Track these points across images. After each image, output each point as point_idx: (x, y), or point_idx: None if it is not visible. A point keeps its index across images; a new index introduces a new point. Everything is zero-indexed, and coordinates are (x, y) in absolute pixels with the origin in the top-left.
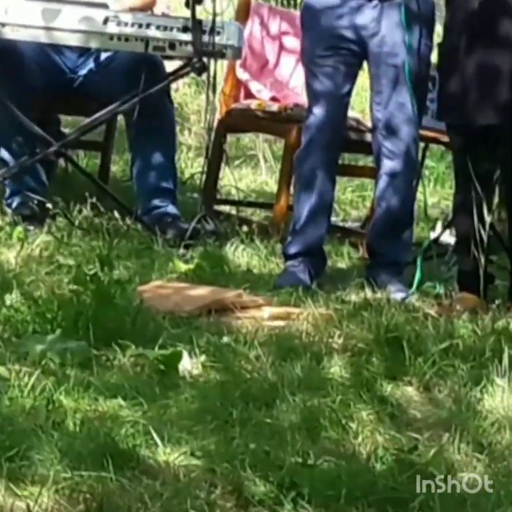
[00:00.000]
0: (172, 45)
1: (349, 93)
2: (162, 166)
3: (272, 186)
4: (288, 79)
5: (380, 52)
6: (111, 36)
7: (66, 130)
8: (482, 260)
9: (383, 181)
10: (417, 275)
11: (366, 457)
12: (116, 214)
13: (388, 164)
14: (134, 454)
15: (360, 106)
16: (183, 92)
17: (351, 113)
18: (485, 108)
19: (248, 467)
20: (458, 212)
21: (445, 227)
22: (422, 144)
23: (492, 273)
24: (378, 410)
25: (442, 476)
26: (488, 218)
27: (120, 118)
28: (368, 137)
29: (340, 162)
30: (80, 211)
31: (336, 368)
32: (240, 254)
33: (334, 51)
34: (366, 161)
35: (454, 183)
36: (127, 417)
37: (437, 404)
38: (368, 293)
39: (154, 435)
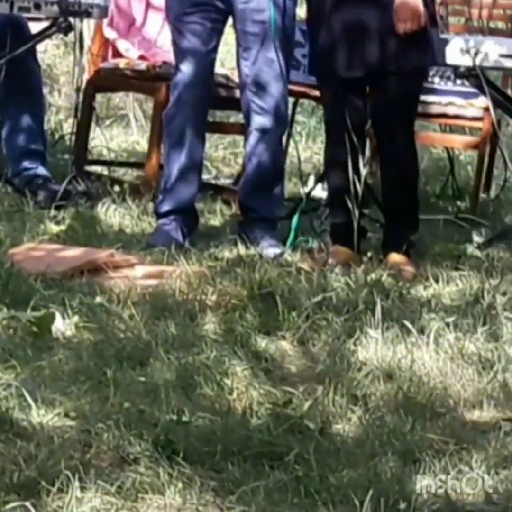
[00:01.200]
0: (37, 6)
1: (215, 50)
2: (31, 128)
3: (143, 145)
4: (156, 37)
5: (245, 9)
6: None
7: None
8: (356, 213)
9: (253, 137)
10: (292, 232)
11: (241, 413)
12: None
13: (257, 120)
14: (7, 417)
15: (231, 63)
16: (52, 54)
17: (220, 70)
18: (354, 62)
19: (123, 426)
20: (330, 166)
21: (317, 182)
22: (292, 99)
23: (364, 226)
24: (253, 365)
25: (317, 429)
26: (363, 171)
27: None
28: (238, 93)
29: (210, 119)
30: None
31: (210, 325)
32: (112, 214)
33: (199, 8)
34: (237, 117)
35: (325, 137)
36: (0, 380)
37: (311, 357)
38: (241, 249)
39: (28, 397)
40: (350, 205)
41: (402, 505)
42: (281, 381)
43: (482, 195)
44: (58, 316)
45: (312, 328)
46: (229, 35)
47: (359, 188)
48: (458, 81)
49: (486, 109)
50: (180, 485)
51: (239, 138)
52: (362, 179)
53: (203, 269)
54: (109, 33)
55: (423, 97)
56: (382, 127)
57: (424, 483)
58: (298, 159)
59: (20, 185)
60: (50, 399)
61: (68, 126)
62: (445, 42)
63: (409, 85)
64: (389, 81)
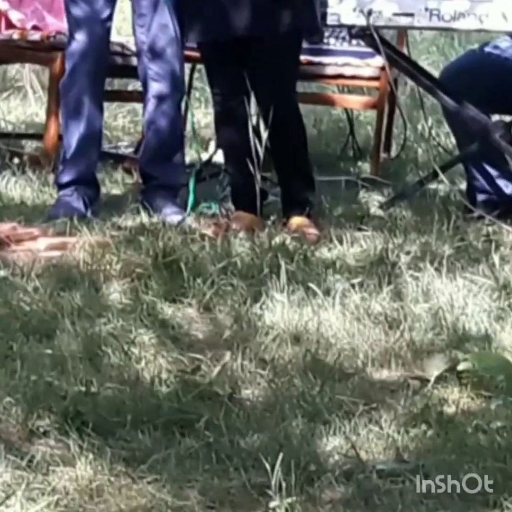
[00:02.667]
0: None
1: (110, 18)
2: None
3: (42, 116)
4: (49, 7)
5: None
6: None
7: None
8: (258, 177)
9: (150, 104)
10: (190, 198)
11: (150, 381)
12: None
13: (154, 87)
14: None
15: (127, 31)
16: None
17: (115, 38)
18: (227, 24)
19: (31, 400)
20: (220, 127)
21: (217, 147)
22: (189, 65)
23: (265, 189)
24: (160, 333)
25: (226, 394)
26: (264, 134)
27: None
28: (134, 61)
29: (108, 88)
30: None
31: (116, 294)
32: (13, 187)
33: None
34: (135, 85)
35: (212, 103)
36: None
37: (218, 323)
38: (144, 218)
39: None
40: (251, 169)
41: (313, 467)
42: (189, 348)
43: (383, 155)
44: None
45: (217, 294)
46: (124, 3)
47: (261, 151)
48: (354, 41)
49: (383, 69)
50: (90, 456)
51: (138, 106)
52: (263, 142)
53: (107, 238)
54: (1, 4)
55: (319, 59)
56: (262, 91)
57: (334, 444)
58: (192, 126)
59: None
60: None
61: None
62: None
63: (286, 47)
64: (265, 44)
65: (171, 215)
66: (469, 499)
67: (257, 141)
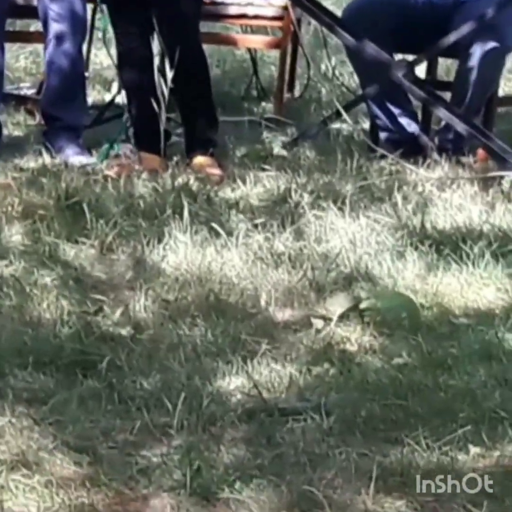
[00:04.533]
0: None
1: None
2: None
3: None
4: None
5: None
6: None
7: None
8: (163, 117)
9: (51, 45)
10: (104, 147)
11: (52, 323)
12: None
13: (55, 27)
14: None
15: None
16: None
17: None
18: None
19: None
20: (123, 67)
21: (120, 88)
22: (91, 5)
23: (169, 130)
24: (62, 275)
25: (129, 336)
26: (169, 74)
27: None
28: (36, 1)
29: (10, 28)
30: None
31: (17, 236)
32: None
33: None
34: (37, 26)
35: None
36: None
37: (120, 264)
38: (46, 159)
39: None
40: (155, 109)
41: (215, 407)
42: (91, 289)
43: (286, 95)
44: None
45: (120, 235)
46: None
47: (166, 90)
48: None
49: (286, 8)
50: None
51: (41, 47)
52: (168, 82)
53: (8, 180)
54: None
55: None
56: (165, 31)
57: (237, 384)
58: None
59: None
60: None
61: None
62: None
63: None
64: None
65: (73, 156)
66: (371, 435)
67: (162, 81)
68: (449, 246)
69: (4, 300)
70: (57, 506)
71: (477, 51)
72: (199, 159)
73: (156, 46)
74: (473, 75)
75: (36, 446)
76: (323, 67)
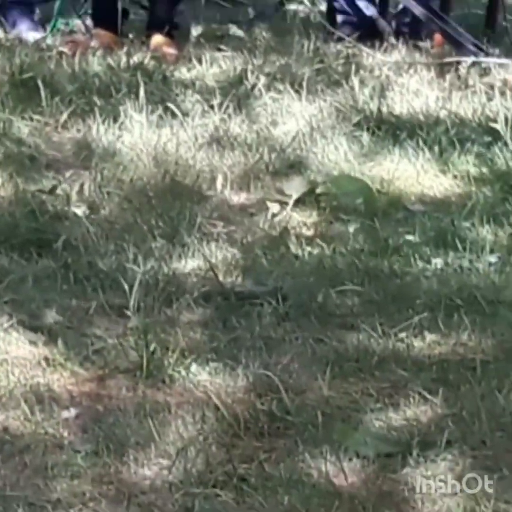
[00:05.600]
0: None
1: None
2: None
3: None
4: None
5: None
6: None
7: None
8: None
9: None
10: (54, 20)
11: (7, 201)
12: None
13: None
14: None
15: None
16: None
17: None
18: None
19: None
20: None
21: None
22: None
23: (126, 8)
24: (16, 152)
25: (85, 215)
26: None
27: None
28: None
29: None
30: None
31: None
32: None
33: None
34: None
35: None
36: None
37: (76, 143)
38: (0, 34)
39: None
40: None
41: (171, 288)
42: (47, 168)
43: None
44: None
45: (75, 114)
46: None
47: None
48: None
49: None
50: None
51: None
52: None
53: None
54: None
55: None
56: None
57: (193, 266)
58: None
59: None
60: None
61: None
62: None
63: None
64: None
65: (27, 31)
66: (326, 321)
67: None
68: (405, 131)
69: None
70: (13, 385)
71: None
72: (156, 38)
73: None
74: None
75: None
76: None
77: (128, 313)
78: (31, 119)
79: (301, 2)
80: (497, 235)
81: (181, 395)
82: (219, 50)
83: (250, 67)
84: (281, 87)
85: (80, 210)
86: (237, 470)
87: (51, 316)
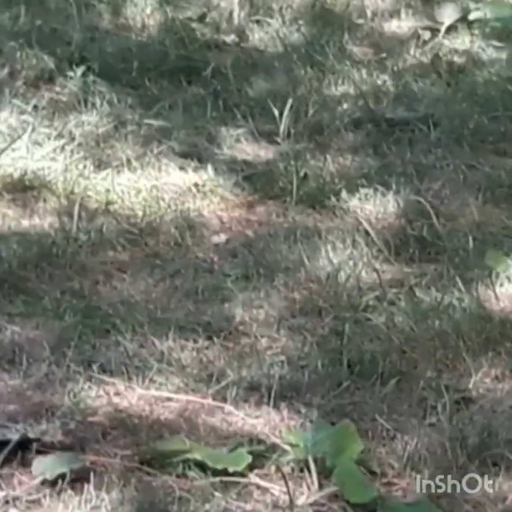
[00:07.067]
0: None
1: None
2: None
3: None
4: None
5: None
6: None
7: None
8: None
9: None
10: None
11: (157, 29)
12: None
13: None
14: None
15: None
16: None
17: None
18: None
19: (36, 45)
20: None
21: None
22: None
23: None
24: None
25: (234, 43)
26: None
27: None
28: None
29: None
30: None
31: None
32: None
33: None
34: None
35: None
36: None
37: None
38: None
39: None
40: None
41: (322, 115)
42: None
43: None
44: None
45: None
46: None
47: None
48: None
49: None
50: (97, 101)
51: None
52: None
53: None
54: None
55: None
56: None
57: (343, 93)
58: None
59: None
60: None
61: None
62: None
63: None
64: None
65: None
66: (478, 147)
67: None
68: None
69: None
70: (163, 211)
71: None
72: None
73: None
74: None
75: (142, 150)
76: None
77: (278, 139)
78: None
79: None
80: None
81: (331, 220)
82: None
83: None
84: None
85: (229, 38)
86: (387, 295)
87: (200, 143)
